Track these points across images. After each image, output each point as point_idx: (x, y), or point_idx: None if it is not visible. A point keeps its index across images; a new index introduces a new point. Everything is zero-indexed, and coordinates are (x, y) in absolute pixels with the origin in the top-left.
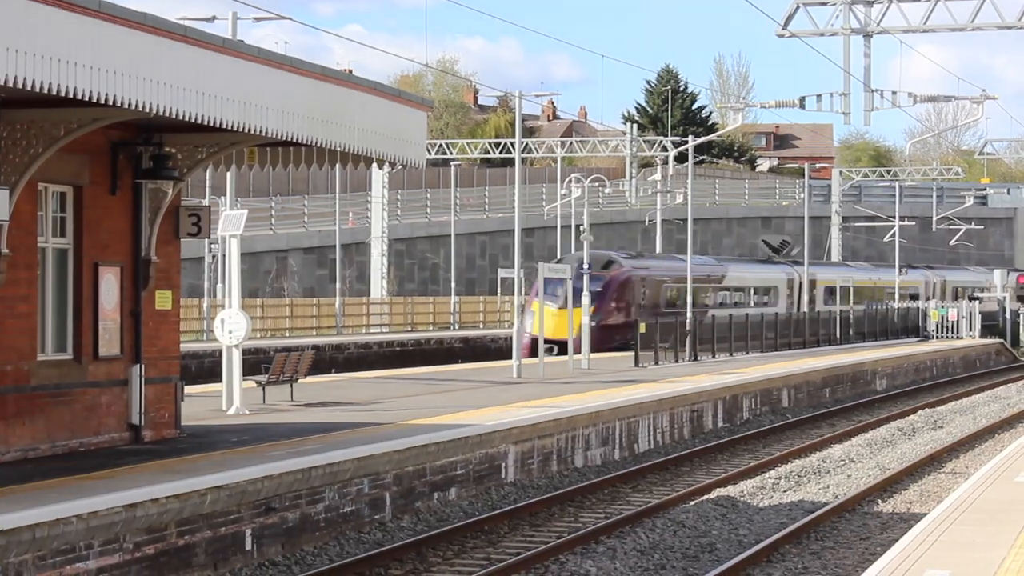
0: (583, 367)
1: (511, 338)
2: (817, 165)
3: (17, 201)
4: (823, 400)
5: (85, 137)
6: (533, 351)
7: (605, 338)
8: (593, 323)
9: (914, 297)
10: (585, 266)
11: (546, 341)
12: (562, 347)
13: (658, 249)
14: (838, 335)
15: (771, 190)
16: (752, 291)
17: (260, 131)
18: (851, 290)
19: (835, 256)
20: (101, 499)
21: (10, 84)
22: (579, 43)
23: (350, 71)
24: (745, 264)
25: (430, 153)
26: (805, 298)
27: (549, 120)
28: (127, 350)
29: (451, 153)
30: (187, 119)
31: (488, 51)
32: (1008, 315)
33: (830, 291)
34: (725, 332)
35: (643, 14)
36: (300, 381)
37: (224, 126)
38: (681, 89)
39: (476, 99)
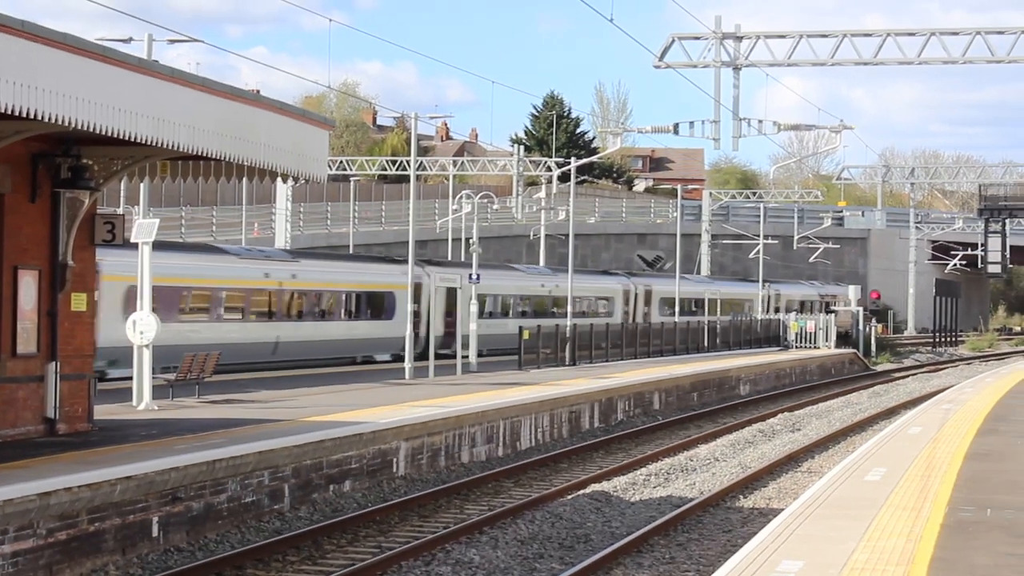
0: (471, 370)
1: None
2: (689, 187)
3: None
4: (691, 403)
5: (7, 148)
6: None
7: None
8: None
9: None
10: (474, 275)
11: None
12: None
13: (541, 263)
14: (705, 343)
15: (647, 209)
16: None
17: (172, 145)
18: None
19: (704, 271)
20: (16, 487)
21: None
22: (471, 69)
23: (257, 91)
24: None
25: (331, 169)
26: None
27: (443, 140)
28: (43, 348)
29: (351, 169)
30: (104, 133)
31: (385, 74)
32: (861, 327)
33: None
34: (602, 339)
35: (530, 43)
36: (206, 380)
37: (138, 140)
38: (565, 114)
39: (375, 119)
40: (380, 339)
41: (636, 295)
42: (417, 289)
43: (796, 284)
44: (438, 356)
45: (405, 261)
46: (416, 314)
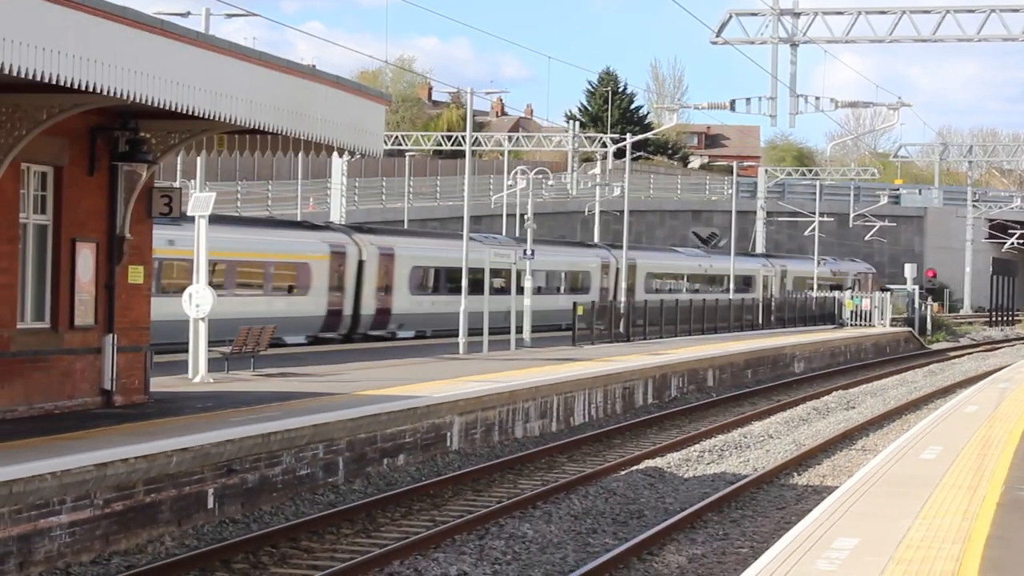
0: (525, 345)
1: None
2: (745, 163)
3: (1, 179)
4: (745, 381)
5: (66, 121)
6: None
7: None
8: None
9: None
10: (528, 250)
11: None
12: None
13: (596, 239)
14: (760, 320)
15: (702, 185)
16: None
17: (229, 119)
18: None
19: (759, 248)
20: (74, 458)
21: None
22: (527, 44)
23: (313, 66)
24: None
25: (387, 144)
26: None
27: (498, 116)
28: (101, 320)
29: (406, 144)
30: (162, 107)
31: (441, 50)
32: (916, 305)
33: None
34: (656, 316)
35: (586, 19)
36: (260, 353)
37: (196, 114)
38: (620, 90)
39: (430, 95)
40: (290, 318)
41: (618, 269)
42: (340, 259)
43: (806, 260)
44: (369, 338)
45: (325, 228)
46: (340, 289)
